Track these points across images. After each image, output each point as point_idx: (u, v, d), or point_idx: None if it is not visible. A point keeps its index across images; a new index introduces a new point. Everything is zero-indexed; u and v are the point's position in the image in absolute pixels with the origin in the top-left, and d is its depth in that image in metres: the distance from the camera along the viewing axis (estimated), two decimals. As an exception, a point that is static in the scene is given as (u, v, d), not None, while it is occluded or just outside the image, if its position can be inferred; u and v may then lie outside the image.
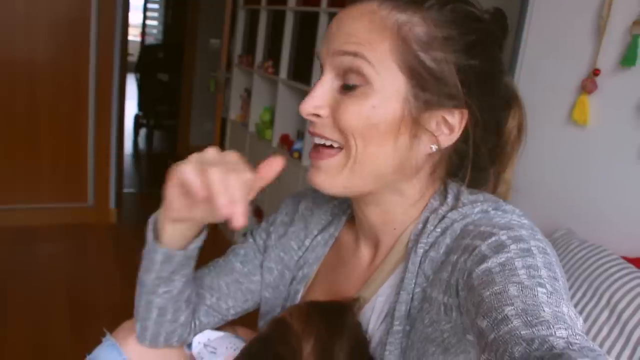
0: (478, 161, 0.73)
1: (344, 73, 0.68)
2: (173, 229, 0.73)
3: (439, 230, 0.70)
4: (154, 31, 8.23)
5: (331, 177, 0.71)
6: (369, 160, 0.69)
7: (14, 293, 2.80)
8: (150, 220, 0.77)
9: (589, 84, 1.47)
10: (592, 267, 1.29)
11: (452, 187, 0.74)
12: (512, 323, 0.49)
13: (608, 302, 1.21)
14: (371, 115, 0.67)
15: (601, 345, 1.19)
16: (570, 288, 1.31)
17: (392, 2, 0.67)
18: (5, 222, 3.50)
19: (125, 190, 4.43)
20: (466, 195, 0.72)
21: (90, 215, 3.79)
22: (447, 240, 0.68)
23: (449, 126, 0.70)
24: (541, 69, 1.64)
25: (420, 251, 0.70)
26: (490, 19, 0.72)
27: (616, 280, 1.23)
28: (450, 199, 0.73)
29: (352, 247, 0.84)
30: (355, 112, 0.67)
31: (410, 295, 0.69)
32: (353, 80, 0.67)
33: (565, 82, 1.55)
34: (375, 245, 0.79)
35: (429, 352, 0.66)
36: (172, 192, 0.67)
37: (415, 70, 0.66)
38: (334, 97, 0.70)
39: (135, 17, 7.66)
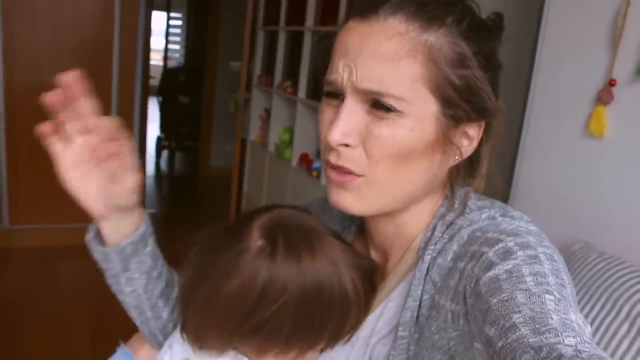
0: (483, 163, 0.73)
1: (371, 100, 0.65)
2: (106, 226, 0.74)
3: (446, 237, 0.69)
4: (176, 55, 8.39)
5: (360, 198, 0.69)
6: (401, 183, 0.68)
7: (36, 312, 2.83)
8: (92, 227, 0.77)
9: (605, 94, 1.46)
10: (610, 279, 1.26)
11: (460, 193, 0.74)
12: (520, 331, 0.48)
13: (628, 314, 1.19)
14: (408, 138, 0.64)
15: (622, 359, 1.16)
16: (589, 301, 1.28)
17: (418, 19, 0.63)
18: (28, 241, 3.57)
19: (147, 210, 4.47)
20: (473, 201, 0.72)
21: (112, 235, 3.81)
22: (455, 246, 0.67)
23: (468, 137, 0.69)
24: (557, 80, 1.63)
25: (428, 258, 0.69)
26: (494, 27, 0.71)
27: (636, 292, 1.20)
28: (457, 205, 0.72)
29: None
30: (392, 137, 0.64)
31: (417, 302, 0.68)
32: (383, 107, 0.64)
33: (581, 93, 1.53)
34: (386, 254, 0.79)
35: None
36: (70, 179, 0.70)
37: (445, 90, 0.64)
38: (363, 122, 0.65)
39: (157, 42, 7.82)
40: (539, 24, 1.67)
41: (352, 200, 0.69)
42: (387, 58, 0.62)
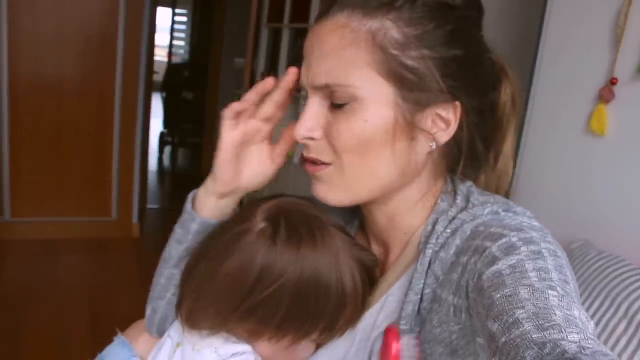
0: (476, 147, 0.72)
1: (329, 95, 0.67)
2: (216, 204, 0.79)
3: (449, 231, 0.69)
4: (181, 51, 8.40)
5: (331, 188, 0.71)
6: (368, 173, 0.69)
7: (36, 304, 2.84)
8: (190, 196, 0.81)
9: (606, 93, 1.46)
10: (609, 277, 1.26)
11: (462, 188, 0.73)
12: (523, 327, 0.48)
13: (626, 312, 1.19)
14: (365, 129, 0.66)
15: (620, 357, 1.16)
16: (587, 298, 1.28)
17: (362, 10, 0.64)
18: (31, 234, 3.58)
19: (149, 205, 4.49)
20: (476, 197, 0.71)
21: (114, 229, 3.84)
22: (457, 241, 0.67)
23: (444, 121, 0.68)
24: (558, 78, 1.63)
25: (429, 252, 0.69)
26: (462, 3, 0.69)
27: (635, 291, 1.20)
28: (460, 200, 0.72)
29: None
30: (348, 130, 0.66)
31: (419, 296, 0.68)
32: (340, 99, 0.66)
33: (582, 91, 1.53)
34: (386, 248, 0.79)
35: (437, 353, 0.65)
36: (223, 161, 0.76)
37: (398, 74, 0.64)
38: (325, 117, 0.69)
39: (162, 38, 7.83)
40: (542, 22, 1.67)
41: (325, 190, 0.72)
42: (331, 52, 0.65)
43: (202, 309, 0.69)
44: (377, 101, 0.65)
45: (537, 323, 0.48)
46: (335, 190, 0.71)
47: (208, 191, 0.79)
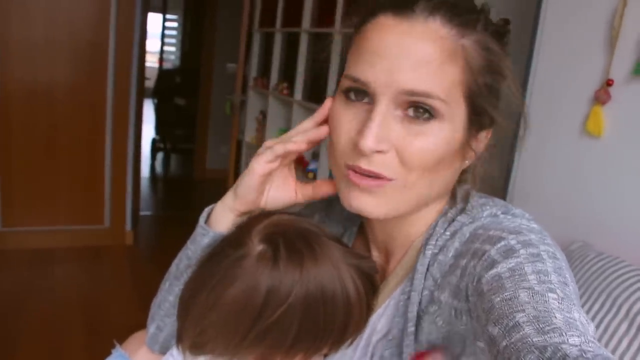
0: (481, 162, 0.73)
1: (406, 105, 0.62)
2: (234, 220, 0.76)
3: (448, 233, 0.69)
4: (172, 57, 8.37)
5: (387, 202, 0.66)
6: (427, 187, 0.67)
7: (30, 314, 2.81)
8: (206, 210, 0.79)
9: (602, 94, 1.46)
10: (609, 278, 1.26)
11: (460, 191, 0.73)
12: (523, 330, 0.48)
13: (627, 313, 1.18)
14: (443, 149, 0.63)
15: (621, 359, 1.16)
16: (587, 300, 1.28)
17: (455, 23, 0.62)
18: (23, 243, 3.54)
19: (142, 212, 4.46)
20: (475, 199, 0.71)
21: (107, 237, 3.81)
22: (456, 243, 0.67)
23: (480, 141, 0.69)
24: (554, 81, 1.63)
25: (429, 253, 0.68)
26: (507, 31, 0.70)
27: (635, 291, 1.20)
28: (459, 202, 0.72)
29: None
30: (430, 148, 0.63)
31: (420, 297, 0.68)
32: (424, 113, 0.62)
33: (578, 93, 1.54)
34: (387, 253, 0.78)
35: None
36: (249, 185, 0.73)
37: (474, 97, 0.64)
38: (397, 128, 0.63)
39: (153, 44, 7.81)
40: (537, 24, 1.67)
41: (376, 204, 0.66)
42: (430, 61, 0.60)
43: (207, 342, 0.67)
44: (455, 121, 0.64)
45: (538, 326, 0.48)
46: (386, 205, 0.66)
47: (226, 207, 0.77)
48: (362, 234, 0.83)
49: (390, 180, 0.64)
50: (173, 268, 0.82)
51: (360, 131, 0.63)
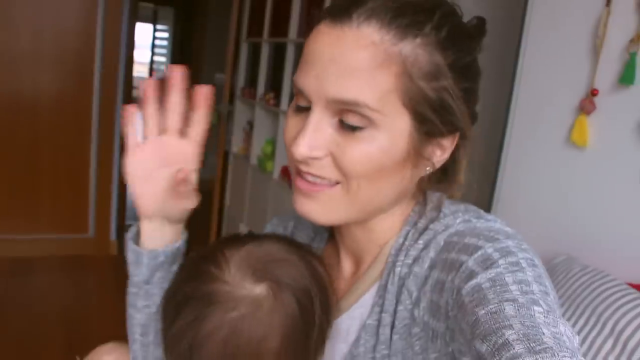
0: (459, 170, 0.71)
1: (340, 112, 0.61)
2: (148, 228, 0.74)
3: (421, 243, 0.67)
4: (162, 67, 8.35)
5: (328, 209, 0.66)
6: (372, 195, 0.65)
7: (10, 324, 2.75)
8: (135, 225, 0.77)
9: (587, 104, 1.44)
10: (594, 292, 1.23)
11: (432, 198, 0.72)
12: (514, 349, 0.46)
13: (612, 330, 1.15)
14: (379, 157, 0.62)
15: (606, 376, 1.12)
16: (572, 315, 1.25)
17: (394, 28, 0.59)
18: (5, 252, 3.48)
19: (127, 222, 4.41)
20: (447, 206, 0.70)
21: (91, 246, 3.77)
22: (431, 253, 0.65)
23: (441, 148, 0.67)
24: (539, 90, 1.61)
25: (398, 270, 0.67)
26: (476, 32, 0.67)
27: (620, 307, 1.17)
28: (430, 211, 0.70)
29: (335, 260, 0.81)
30: (364, 157, 0.61)
31: (392, 318, 0.66)
32: (354, 121, 0.60)
33: (563, 102, 1.52)
34: (357, 258, 0.77)
35: None
36: (133, 175, 0.70)
37: (418, 104, 0.61)
38: (331, 136, 0.62)
39: (144, 54, 7.78)
40: (521, 33, 1.66)
41: (320, 210, 0.66)
42: (360, 68, 0.59)
43: None
44: (394, 130, 0.61)
45: (528, 345, 0.46)
46: (332, 211, 0.66)
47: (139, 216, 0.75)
48: (333, 239, 0.82)
49: (332, 186, 0.64)
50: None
51: (295, 138, 0.63)
